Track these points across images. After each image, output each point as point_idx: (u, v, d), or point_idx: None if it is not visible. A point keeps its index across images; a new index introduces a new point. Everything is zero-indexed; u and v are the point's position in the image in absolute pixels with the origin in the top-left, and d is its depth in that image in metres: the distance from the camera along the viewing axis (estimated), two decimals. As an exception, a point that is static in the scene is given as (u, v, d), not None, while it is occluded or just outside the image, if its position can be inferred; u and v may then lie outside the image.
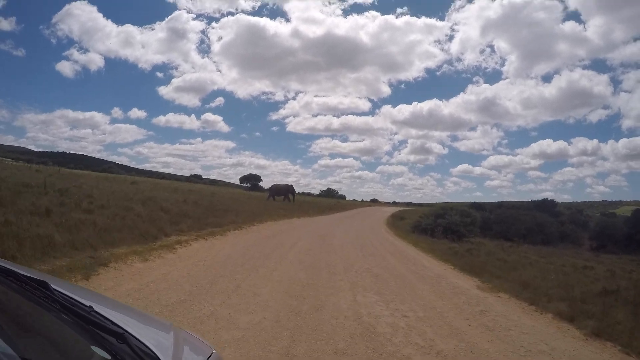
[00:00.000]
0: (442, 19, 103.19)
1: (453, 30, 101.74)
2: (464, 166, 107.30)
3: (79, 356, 1.02)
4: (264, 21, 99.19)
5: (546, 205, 44.19)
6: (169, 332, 1.33)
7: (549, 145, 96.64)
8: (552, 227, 36.45)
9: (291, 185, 39.40)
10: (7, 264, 1.25)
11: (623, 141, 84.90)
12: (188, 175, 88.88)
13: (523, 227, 32.88)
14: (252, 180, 60.20)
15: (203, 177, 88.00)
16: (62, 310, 1.02)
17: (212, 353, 1.31)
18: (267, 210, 20.59)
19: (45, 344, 1.01)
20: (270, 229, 13.78)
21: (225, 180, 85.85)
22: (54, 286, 1.12)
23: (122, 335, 0.98)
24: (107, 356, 0.94)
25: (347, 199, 77.87)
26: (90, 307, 1.12)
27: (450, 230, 21.16)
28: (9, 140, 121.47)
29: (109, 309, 1.29)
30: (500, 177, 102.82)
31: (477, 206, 43.75)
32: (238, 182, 65.27)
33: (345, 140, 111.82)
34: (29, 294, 1.06)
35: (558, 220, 40.62)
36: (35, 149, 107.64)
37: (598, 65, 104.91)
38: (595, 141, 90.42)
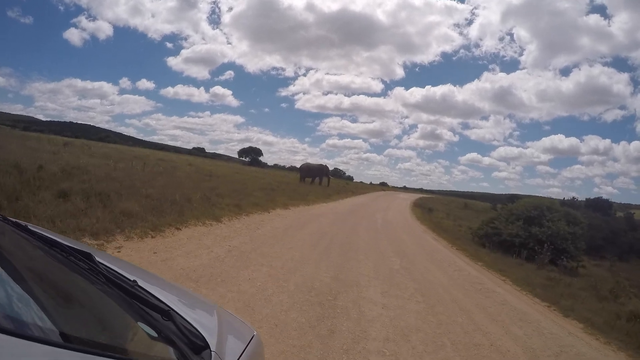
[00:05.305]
0: (462, 1, 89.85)
1: (473, 14, 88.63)
2: (473, 155, 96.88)
3: (122, 331, 0.85)
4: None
5: (600, 205, 33.29)
6: (213, 313, 1.17)
7: (561, 140, 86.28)
8: (624, 236, 25.88)
9: (325, 166, 29.39)
10: (53, 235, 1.16)
11: (635, 143, 74.78)
12: (190, 148, 79.75)
13: (599, 236, 22.31)
14: (251, 154, 50.00)
15: (207, 150, 79.46)
16: (106, 283, 0.89)
17: (253, 335, 1.16)
18: (226, 195, 10.34)
19: (88, 317, 0.85)
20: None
21: (231, 155, 76.53)
22: (98, 258, 1.03)
23: (168, 313, 0.86)
24: (153, 333, 0.80)
25: (354, 180, 68.11)
26: (135, 281, 1.00)
27: (555, 247, 10.86)
28: (18, 109, 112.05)
29: (153, 285, 1.13)
30: (509, 169, 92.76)
31: (512, 200, 32.92)
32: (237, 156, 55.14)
33: (354, 120, 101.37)
34: (73, 265, 0.94)
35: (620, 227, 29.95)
36: (44, 119, 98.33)
37: (619, 63, 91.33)
38: (607, 141, 79.94)
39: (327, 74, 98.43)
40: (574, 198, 38.06)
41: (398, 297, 4.37)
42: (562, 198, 42.44)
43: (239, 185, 13.77)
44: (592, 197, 36.84)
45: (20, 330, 0.60)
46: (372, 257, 6.45)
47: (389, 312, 3.78)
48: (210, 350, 0.88)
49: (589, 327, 5.32)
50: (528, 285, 7.20)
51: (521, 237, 11.12)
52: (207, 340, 0.90)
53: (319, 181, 28.31)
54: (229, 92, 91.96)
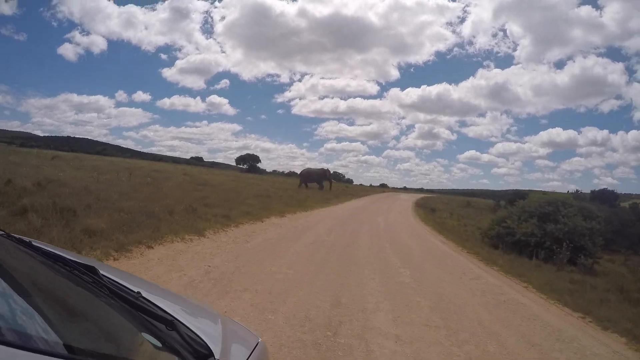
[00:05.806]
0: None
1: (465, 12, 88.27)
2: (472, 152, 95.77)
3: (127, 342, 0.85)
4: (269, 0, 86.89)
5: (606, 197, 32.45)
6: (217, 321, 1.16)
7: (559, 134, 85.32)
8: (633, 227, 24.99)
9: (327, 170, 28.72)
10: (56, 250, 1.18)
11: (633, 133, 74.50)
12: (188, 158, 79.25)
13: (609, 229, 21.38)
14: (249, 161, 49.22)
15: (205, 159, 79.03)
16: (110, 295, 0.89)
17: (258, 342, 1.14)
18: (216, 204, 9.52)
19: (92, 329, 0.84)
20: None
21: (229, 163, 76.07)
22: (102, 272, 1.02)
23: (172, 323, 0.86)
24: (157, 343, 0.81)
25: (354, 183, 67.35)
26: (139, 292, 1.00)
27: (573, 245, 10.01)
28: (15, 126, 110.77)
29: (156, 295, 1.13)
30: (508, 164, 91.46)
31: (520, 196, 31.74)
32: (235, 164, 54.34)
33: (351, 123, 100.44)
34: (77, 279, 0.93)
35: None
36: (41, 134, 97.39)
37: (613, 53, 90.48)
38: (605, 132, 79.12)
39: (322, 78, 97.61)
40: (577, 191, 37.24)
41: (413, 324, 3.53)
42: (565, 191, 41.58)
43: (232, 194, 12.96)
44: (595, 189, 35.98)
45: (25, 343, 0.60)
46: (378, 270, 5.61)
47: (404, 348, 2.94)
48: (215, 359, 0.87)
49: (633, 341, 4.52)
50: (553, 291, 6.37)
51: (537, 235, 10.27)
52: (212, 348, 0.89)
53: (321, 186, 27.57)
54: (225, 101, 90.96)
